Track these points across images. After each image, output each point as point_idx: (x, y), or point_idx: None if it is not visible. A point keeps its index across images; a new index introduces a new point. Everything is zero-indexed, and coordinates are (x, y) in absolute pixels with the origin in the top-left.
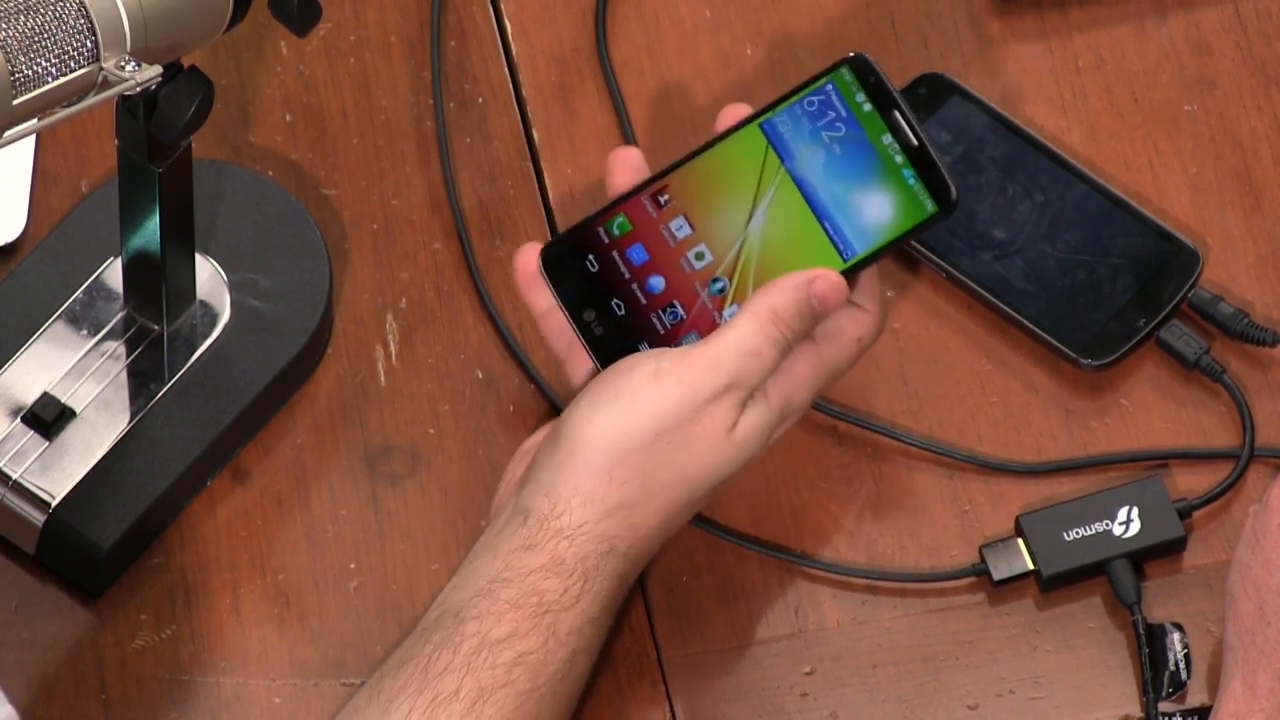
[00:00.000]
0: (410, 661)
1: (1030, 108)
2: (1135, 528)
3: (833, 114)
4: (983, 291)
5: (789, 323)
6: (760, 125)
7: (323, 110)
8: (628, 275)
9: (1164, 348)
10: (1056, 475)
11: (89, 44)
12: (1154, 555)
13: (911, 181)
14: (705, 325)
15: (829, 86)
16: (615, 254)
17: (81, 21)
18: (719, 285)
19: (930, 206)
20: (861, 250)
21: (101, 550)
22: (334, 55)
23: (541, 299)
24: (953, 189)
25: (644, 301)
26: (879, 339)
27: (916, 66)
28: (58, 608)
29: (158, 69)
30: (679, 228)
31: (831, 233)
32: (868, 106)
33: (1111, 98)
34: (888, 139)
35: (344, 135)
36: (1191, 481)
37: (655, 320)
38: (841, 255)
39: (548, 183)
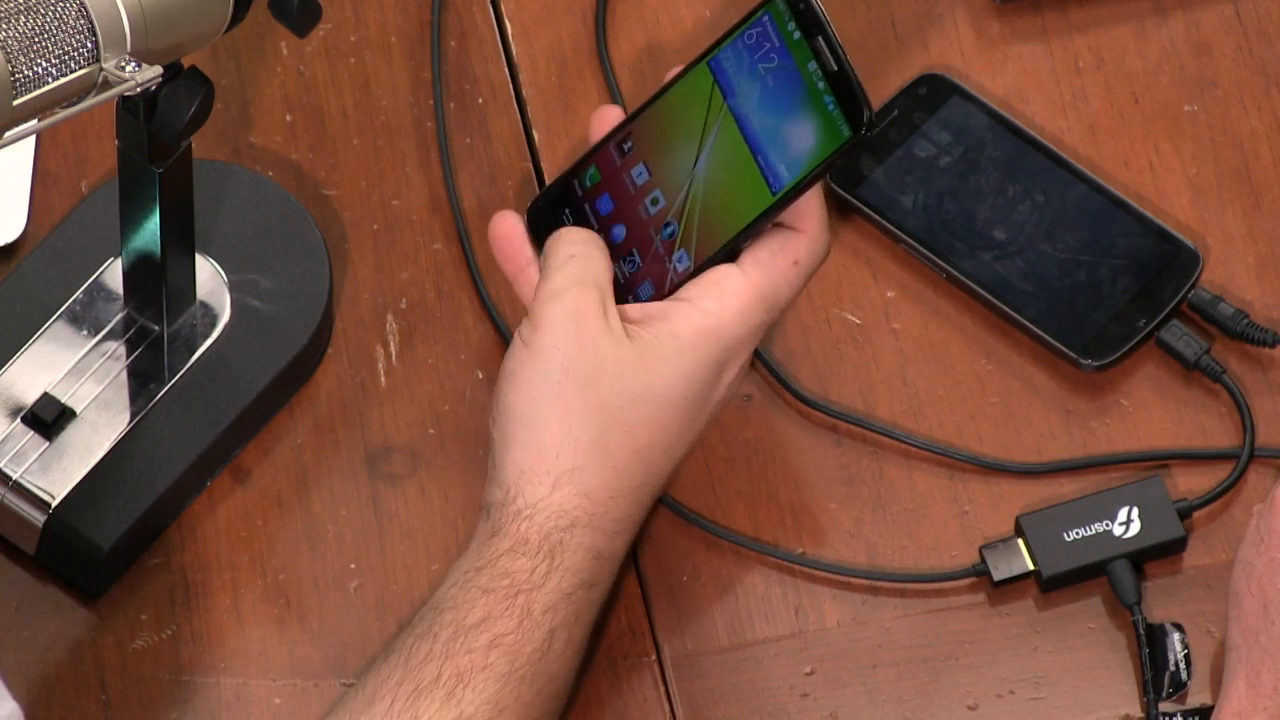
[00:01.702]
0: (392, 655)
1: (1030, 108)
2: (1135, 528)
3: (768, 45)
4: (983, 291)
5: (564, 229)
6: (708, 64)
7: (323, 110)
8: (596, 227)
9: (1164, 348)
10: (1056, 475)
11: (89, 45)
12: (1154, 555)
13: (831, 107)
14: (657, 273)
15: (765, 18)
16: (586, 207)
17: (81, 22)
18: (669, 230)
19: (846, 131)
20: (788, 181)
21: (101, 550)
22: (334, 55)
23: (513, 260)
24: (866, 111)
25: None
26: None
27: (916, 66)
28: (58, 608)
29: (158, 69)
30: (639, 174)
31: (763, 167)
32: (797, 34)
33: (1111, 98)
34: (813, 65)
35: (344, 135)
36: (1191, 482)
37: (618, 271)
38: (770, 189)
39: (548, 183)
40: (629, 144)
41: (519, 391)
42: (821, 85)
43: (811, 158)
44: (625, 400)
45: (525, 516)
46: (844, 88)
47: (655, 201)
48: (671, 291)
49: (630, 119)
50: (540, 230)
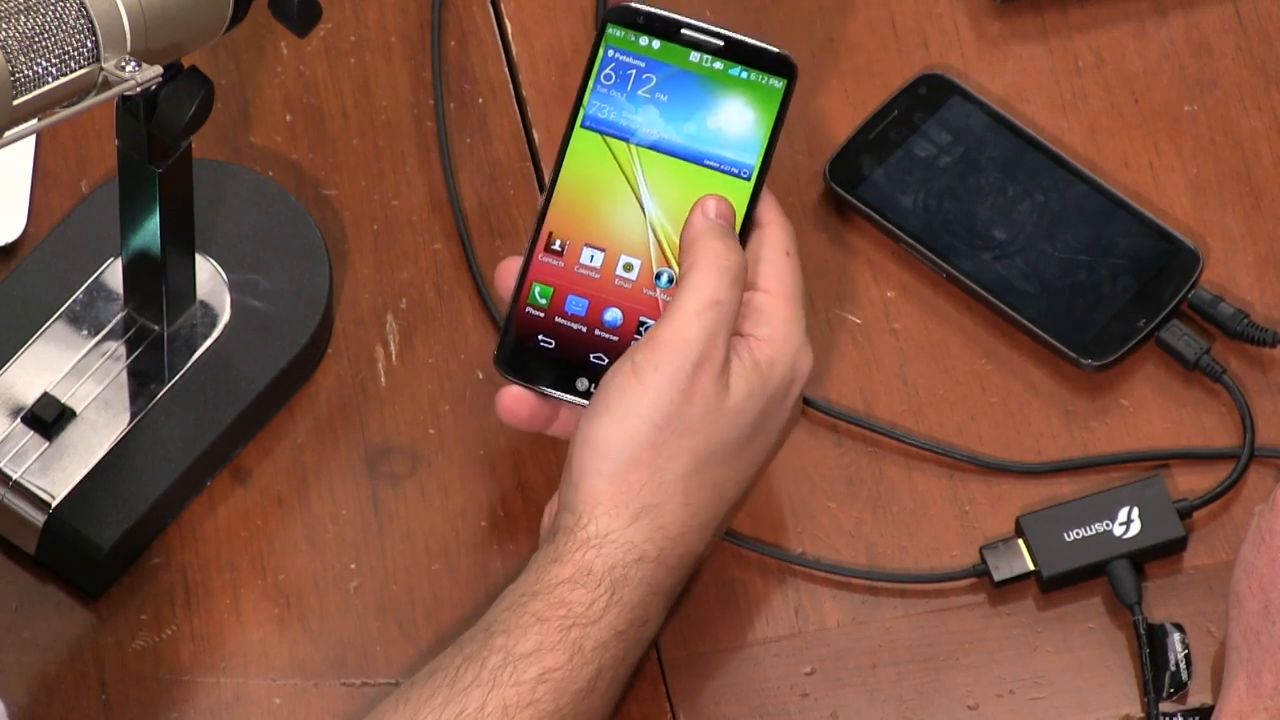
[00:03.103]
0: (439, 672)
1: (1030, 108)
2: (1135, 528)
3: (633, 71)
4: (983, 291)
5: (720, 253)
6: (582, 126)
7: (323, 110)
8: (584, 329)
9: (1164, 348)
10: (1057, 475)
11: (89, 44)
12: (1154, 555)
13: (746, 75)
14: None
15: (610, 52)
16: (559, 319)
17: (81, 22)
18: (665, 278)
19: (777, 83)
20: (755, 161)
21: (101, 550)
22: (334, 55)
23: (539, 421)
24: (783, 54)
25: (616, 339)
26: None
27: (916, 66)
28: (58, 608)
29: (158, 69)
30: (591, 258)
31: (718, 167)
32: (656, 44)
33: (1111, 98)
34: (695, 56)
35: (344, 135)
36: (1192, 482)
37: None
38: (742, 178)
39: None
40: (558, 242)
41: (614, 424)
42: (719, 65)
43: (760, 127)
44: (717, 446)
45: (593, 545)
46: (743, 52)
47: (629, 268)
48: None
49: (540, 222)
50: (526, 370)
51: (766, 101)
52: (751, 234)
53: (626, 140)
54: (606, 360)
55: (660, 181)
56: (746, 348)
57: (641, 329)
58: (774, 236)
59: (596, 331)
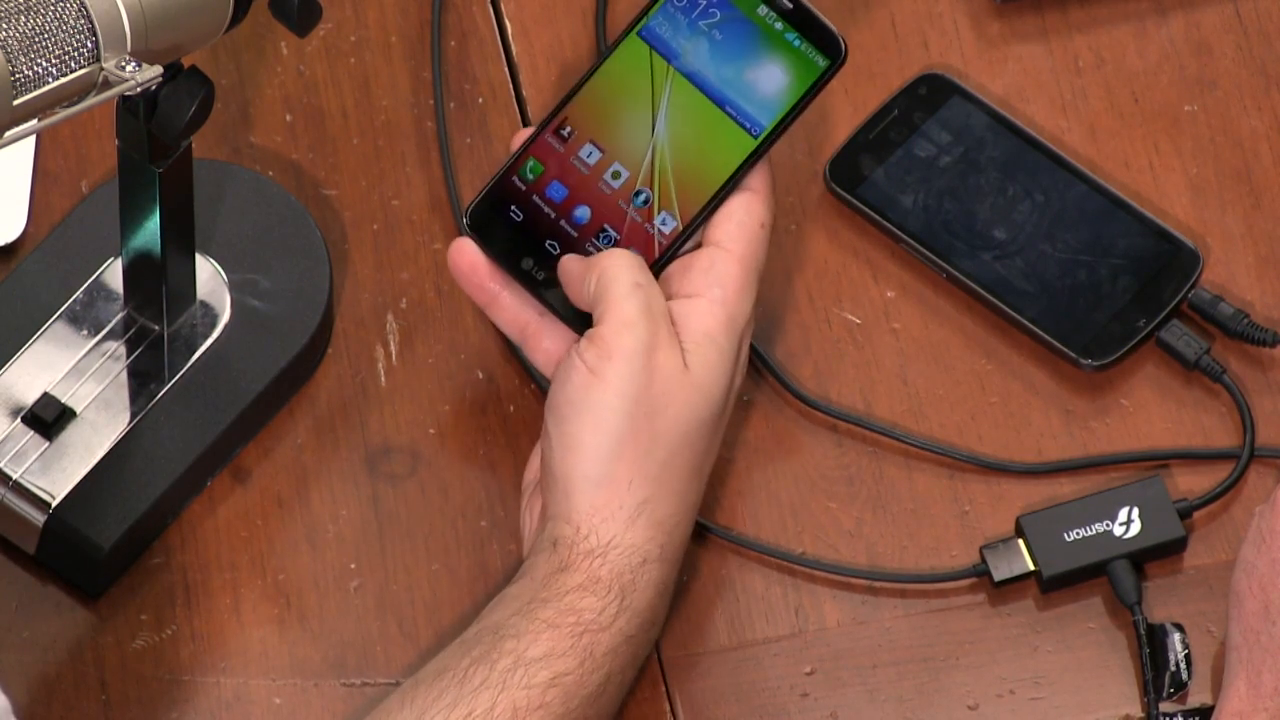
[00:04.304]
0: (447, 672)
1: (1030, 108)
2: (1136, 528)
3: (704, 1)
4: (983, 291)
5: (616, 251)
6: (639, 34)
7: (323, 110)
8: (553, 214)
9: (1164, 348)
10: (1057, 475)
11: (89, 44)
12: (1154, 555)
13: (797, 43)
14: (641, 241)
15: None
16: (535, 198)
17: (82, 22)
18: (642, 197)
19: (821, 61)
20: (769, 122)
21: (101, 550)
22: (334, 55)
23: (483, 290)
24: (839, 38)
25: (575, 234)
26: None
27: (916, 66)
28: (58, 608)
29: (158, 69)
30: (589, 154)
31: (735, 115)
32: None
33: (1111, 98)
34: (763, 10)
35: (344, 135)
36: (1192, 482)
37: (591, 249)
38: (750, 133)
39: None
40: (568, 129)
41: (586, 424)
42: (779, 26)
43: (788, 94)
44: (691, 425)
45: (599, 554)
46: (806, 22)
47: (616, 175)
48: (663, 254)
49: (561, 105)
50: (489, 235)
51: (805, 74)
52: (734, 195)
53: (669, 61)
54: (559, 249)
55: (679, 108)
56: (699, 312)
57: (599, 238)
58: (754, 204)
59: (562, 222)
